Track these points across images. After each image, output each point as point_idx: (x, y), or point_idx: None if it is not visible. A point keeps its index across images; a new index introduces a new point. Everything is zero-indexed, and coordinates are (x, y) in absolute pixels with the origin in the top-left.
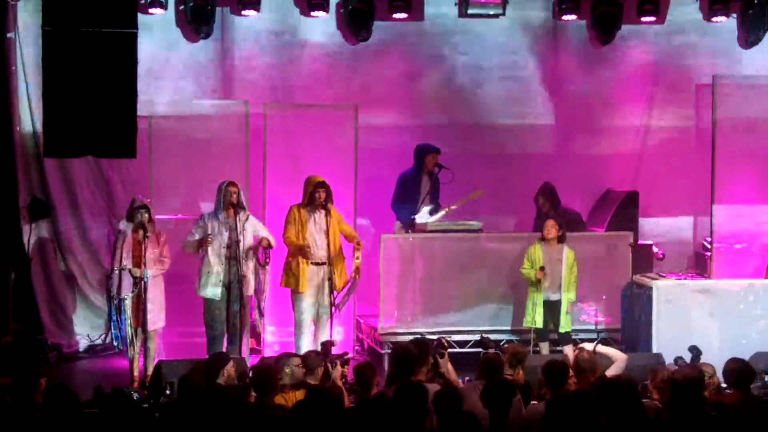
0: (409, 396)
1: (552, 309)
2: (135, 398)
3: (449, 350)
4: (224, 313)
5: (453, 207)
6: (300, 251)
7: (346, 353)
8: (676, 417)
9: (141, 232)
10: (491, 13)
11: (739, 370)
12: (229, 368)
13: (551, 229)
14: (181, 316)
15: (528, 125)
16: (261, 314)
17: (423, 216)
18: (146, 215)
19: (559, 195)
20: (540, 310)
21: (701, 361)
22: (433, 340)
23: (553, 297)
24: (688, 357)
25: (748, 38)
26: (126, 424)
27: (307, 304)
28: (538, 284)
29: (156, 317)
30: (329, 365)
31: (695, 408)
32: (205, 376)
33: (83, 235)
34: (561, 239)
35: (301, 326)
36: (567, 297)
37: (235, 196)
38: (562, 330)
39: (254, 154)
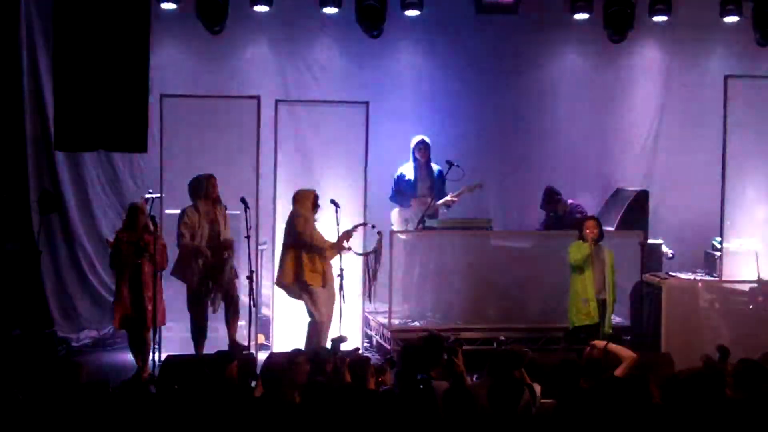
0: (419, 393)
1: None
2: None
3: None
4: (206, 303)
5: (449, 199)
6: (345, 237)
7: (356, 349)
8: (678, 414)
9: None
10: (504, 10)
11: (749, 370)
12: (232, 367)
13: (594, 229)
14: (186, 313)
15: (539, 122)
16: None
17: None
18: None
19: (558, 193)
20: (595, 305)
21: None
22: (447, 337)
23: (599, 296)
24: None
25: (760, 38)
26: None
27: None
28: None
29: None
30: (338, 361)
31: (700, 406)
32: (213, 371)
33: (93, 229)
34: (601, 238)
35: (323, 322)
36: (612, 298)
37: (216, 190)
38: (607, 331)
39: (265, 150)
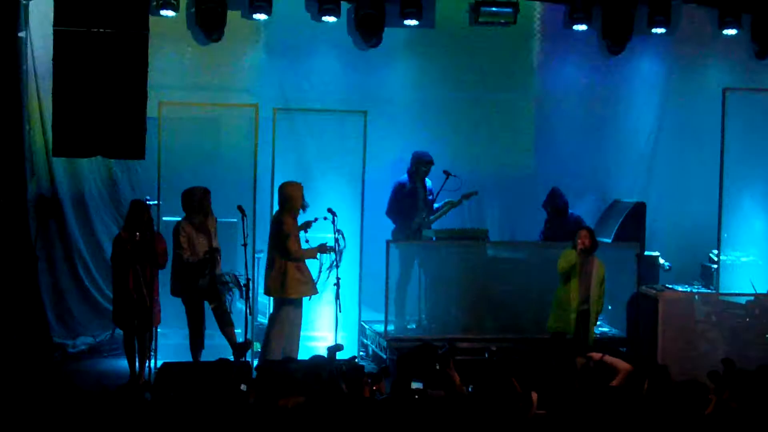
0: (413, 402)
1: (579, 319)
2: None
3: (455, 357)
4: (203, 312)
5: (446, 209)
6: (321, 249)
7: (353, 358)
8: (674, 425)
9: (138, 235)
10: (502, 21)
11: (745, 382)
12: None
13: (585, 239)
14: (185, 319)
15: (536, 132)
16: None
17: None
18: (146, 216)
19: (564, 198)
20: (575, 316)
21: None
22: (440, 346)
23: (582, 307)
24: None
25: (758, 51)
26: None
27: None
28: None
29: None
30: (334, 370)
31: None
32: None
33: (90, 235)
34: (593, 249)
35: (299, 330)
36: (595, 309)
37: (209, 204)
38: (589, 342)
39: (263, 158)
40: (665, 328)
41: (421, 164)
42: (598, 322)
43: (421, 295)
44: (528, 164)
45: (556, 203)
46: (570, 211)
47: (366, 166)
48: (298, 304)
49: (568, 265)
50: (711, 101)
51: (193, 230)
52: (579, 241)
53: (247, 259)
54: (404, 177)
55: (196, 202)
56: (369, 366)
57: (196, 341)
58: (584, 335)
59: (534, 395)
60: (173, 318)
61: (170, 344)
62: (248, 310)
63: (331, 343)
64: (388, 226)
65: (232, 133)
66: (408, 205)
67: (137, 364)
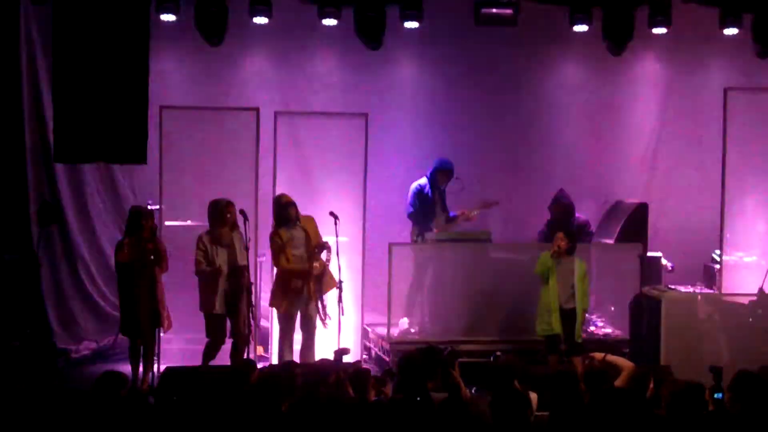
0: (414, 405)
1: (565, 318)
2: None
3: (458, 360)
4: (226, 325)
5: (466, 216)
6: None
7: (359, 362)
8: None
9: (142, 242)
10: (503, 22)
11: (747, 382)
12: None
13: (561, 241)
14: (188, 323)
15: (538, 134)
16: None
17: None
18: (147, 222)
19: (570, 200)
20: (557, 316)
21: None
22: (443, 348)
23: (566, 306)
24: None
25: (760, 50)
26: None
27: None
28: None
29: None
30: (340, 373)
31: (697, 417)
32: (232, 383)
33: (93, 240)
34: (571, 251)
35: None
36: (581, 307)
37: (233, 216)
38: (577, 339)
39: (264, 162)
40: (668, 329)
41: (439, 173)
42: (600, 324)
43: (424, 298)
44: (530, 166)
45: (564, 204)
46: (577, 213)
47: (367, 169)
48: (280, 313)
49: (544, 267)
50: (712, 101)
51: (209, 242)
52: (555, 243)
53: (250, 263)
54: (424, 181)
55: (217, 214)
56: (372, 369)
57: (211, 352)
58: (572, 333)
59: (534, 396)
60: (176, 323)
61: (174, 349)
62: (251, 314)
63: (335, 346)
64: (391, 228)
65: (233, 137)
66: (427, 209)
67: (141, 369)
